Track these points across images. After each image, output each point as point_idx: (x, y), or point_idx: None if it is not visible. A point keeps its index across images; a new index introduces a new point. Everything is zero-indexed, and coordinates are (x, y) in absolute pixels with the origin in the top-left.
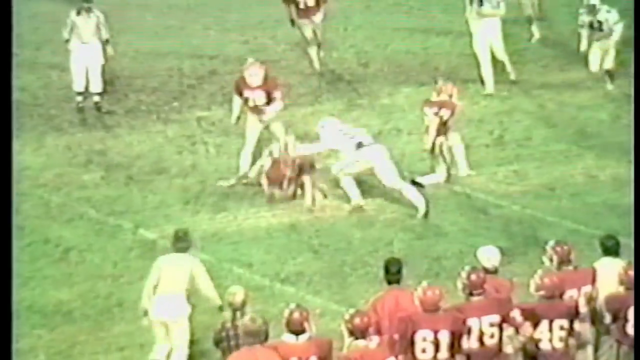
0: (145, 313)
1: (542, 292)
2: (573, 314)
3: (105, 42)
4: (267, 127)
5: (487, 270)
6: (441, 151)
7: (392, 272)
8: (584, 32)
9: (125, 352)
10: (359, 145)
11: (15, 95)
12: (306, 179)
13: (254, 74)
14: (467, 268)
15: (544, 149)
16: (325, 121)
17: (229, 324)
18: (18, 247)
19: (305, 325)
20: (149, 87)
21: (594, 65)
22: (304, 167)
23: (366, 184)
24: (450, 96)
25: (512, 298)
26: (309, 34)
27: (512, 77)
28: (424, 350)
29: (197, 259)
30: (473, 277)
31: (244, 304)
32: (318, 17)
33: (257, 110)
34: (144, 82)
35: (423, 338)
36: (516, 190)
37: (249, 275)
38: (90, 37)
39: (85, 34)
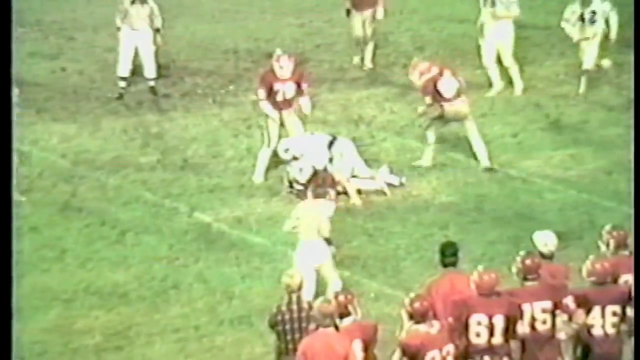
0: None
1: (593, 278)
2: (626, 300)
3: (156, 31)
4: (282, 123)
5: (543, 255)
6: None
7: (448, 255)
8: (568, 27)
9: (181, 334)
10: (331, 143)
11: (74, 78)
12: (345, 183)
13: (285, 66)
14: (522, 253)
15: (600, 133)
16: (286, 143)
17: (284, 307)
18: (75, 229)
19: (350, 308)
20: (205, 70)
21: (588, 62)
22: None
23: (421, 168)
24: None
25: (567, 283)
26: (358, 27)
27: (518, 91)
28: (478, 335)
29: (333, 204)
30: (528, 262)
31: (300, 287)
32: (371, 13)
33: (285, 103)
34: (199, 66)
35: (478, 322)
36: (572, 175)
37: None
38: (141, 24)
39: (136, 21)
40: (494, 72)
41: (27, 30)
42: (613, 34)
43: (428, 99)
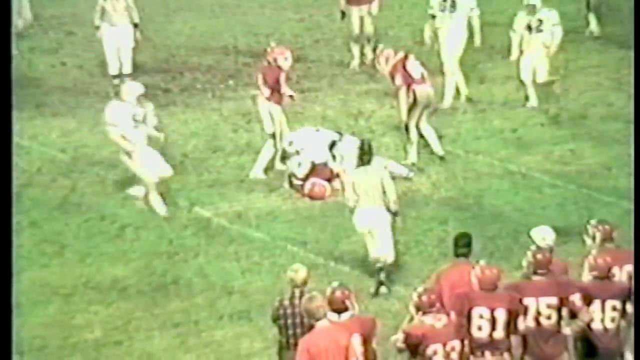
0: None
1: (595, 273)
2: (626, 295)
3: (134, 26)
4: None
5: None
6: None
7: (461, 246)
8: (516, 37)
9: (180, 329)
10: (333, 144)
11: (73, 73)
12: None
13: (288, 57)
14: (533, 247)
15: (600, 128)
16: (291, 136)
17: (287, 302)
18: (75, 224)
19: (348, 303)
20: (204, 65)
21: (526, 74)
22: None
23: (420, 162)
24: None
25: (569, 279)
26: (355, 23)
27: (465, 92)
28: (480, 328)
29: (384, 169)
30: (539, 256)
31: (305, 282)
32: (370, 8)
33: (284, 95)
34: (199, 61)
35: (480, 315)
36: (572, 170)
37: (303, 253)
38: (120, 20)
39: (115, 16)
40: (459, 78)
41: (26, 25)
42: (553, 48)
43: (398, 79)
